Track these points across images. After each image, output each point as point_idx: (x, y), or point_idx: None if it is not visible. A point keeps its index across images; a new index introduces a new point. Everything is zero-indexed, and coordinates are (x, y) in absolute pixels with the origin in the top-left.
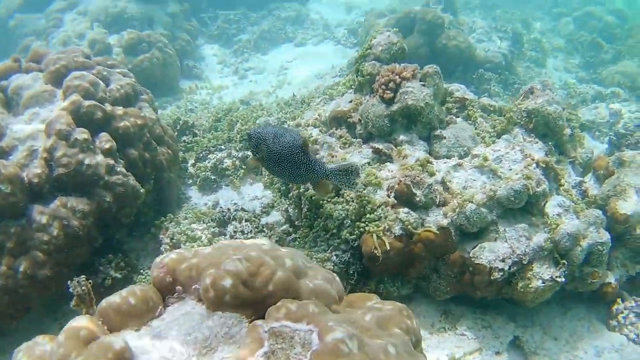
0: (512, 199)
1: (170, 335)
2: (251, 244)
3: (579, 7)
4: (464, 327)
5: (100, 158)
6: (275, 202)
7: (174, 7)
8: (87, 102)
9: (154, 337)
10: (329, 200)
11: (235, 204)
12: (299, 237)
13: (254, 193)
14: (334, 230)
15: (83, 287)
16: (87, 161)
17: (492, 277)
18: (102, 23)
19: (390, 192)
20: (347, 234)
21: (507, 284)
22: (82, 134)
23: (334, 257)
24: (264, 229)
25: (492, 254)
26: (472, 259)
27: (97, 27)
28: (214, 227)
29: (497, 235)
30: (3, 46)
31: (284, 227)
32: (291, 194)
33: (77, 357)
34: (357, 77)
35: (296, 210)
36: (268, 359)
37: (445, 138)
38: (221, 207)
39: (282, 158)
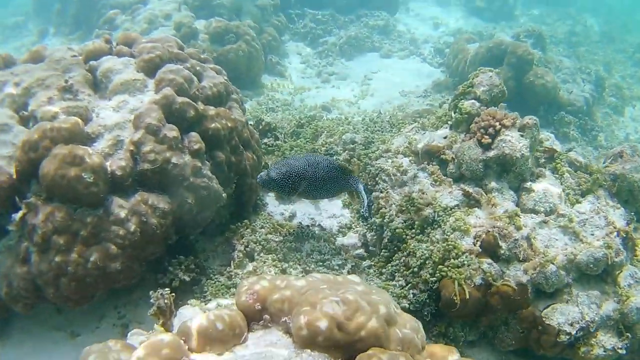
0: (591, 265)
1: None
2: (344, 281)
3: None
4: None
5: (187, 158)
6: (353, 223)
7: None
8: (180, 99)
9: None
10: (413, 236)
11: (312, 219)
12: (374, 265)
13: (332, 210)
14: (415, 269)
15: (166, 300)
16: (174, 160)
17: (558, 339)
18: (189, 6)
19: (477, 241)
20: (428, 275)
21: (569, 346)
22: (172, 131)
23: (411, 295)
24: (341, 251)
25: (562, 316)
26: (543, 319)
27: (184, 9)
28: (290, 242)
29: (569, 298)
30: (86, 14)
31: (359, 251)
32: (372, 220)
33: None
34: (454, 113)
35: (374, 237)
36: None
37: (534, 192)
38: (300, 223)
39: (326, 181)
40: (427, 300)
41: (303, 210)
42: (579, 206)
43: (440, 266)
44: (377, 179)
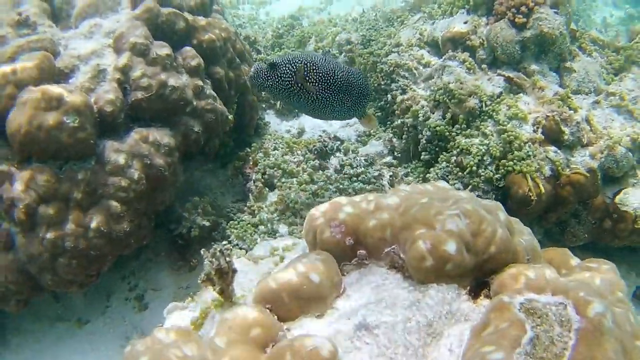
0: None
1: (379, 321)
2: (437, 189)
3: None
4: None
5: (186, 78)
6: (372, 130)
7: None
8: (166, 10)
9: (357, 327)
10: (458, 132)
11: (324, 131)
12: (412, 171)
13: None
14: (474, 168)
15: (227, 258)
16: (171, 82)
17: (636, 226)
18: None
19: (537, 128)
20: (491, 173)
21: None
22: (163, 48)
23: None
24: (374, 161)
25: (636, 201)
26: (618, 205)
27: None
28: (312, 160)
29: (635, 181)
30: None
31: (388, 159)
32: (395, 122)
33: None
34: None
35: (405, 141)
36: (534, 347)
37: (575, 71)
38: (321, 136)
39: (348, 88)
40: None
41: (310, 124)
42: (622, 83)
43: (502, 161)
44: (392, 76)
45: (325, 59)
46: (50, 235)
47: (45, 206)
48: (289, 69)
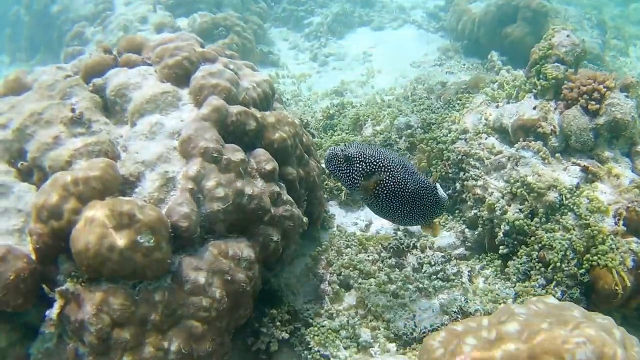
0: None
1: None
2: (552, 308)
3: None
4: None
5: (261, 184)
6: (441, 220)
7: None
8: (235, 109)
9: None
10: (538, 227)
11: (393, 223)
12: (488, 265)
13: None
14: (558, 264)
15: None
16: (248, 190)
17: None
18: (164, 5)
19: (619, 219)
20: (575, 268)
21: None
22: (236, 152)
23: (559, 294)
24: (453, 257)
25: None
26: None
27: (160, 9)
28: (388, 258)
29: None
30: (43, 33)
31: (459, 250)
32: (469, 214)
33: None
34: (538, 80)
35: (479, 233)
36: None
37: None
38: (396, 233)
39: (414, 196)
40: (579, 296)
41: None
42: None
43: (587, 255)
44: (462, 165)
45: (400, 164)
46: (127, 359)
47: (120, 330)
48: (361, 165)
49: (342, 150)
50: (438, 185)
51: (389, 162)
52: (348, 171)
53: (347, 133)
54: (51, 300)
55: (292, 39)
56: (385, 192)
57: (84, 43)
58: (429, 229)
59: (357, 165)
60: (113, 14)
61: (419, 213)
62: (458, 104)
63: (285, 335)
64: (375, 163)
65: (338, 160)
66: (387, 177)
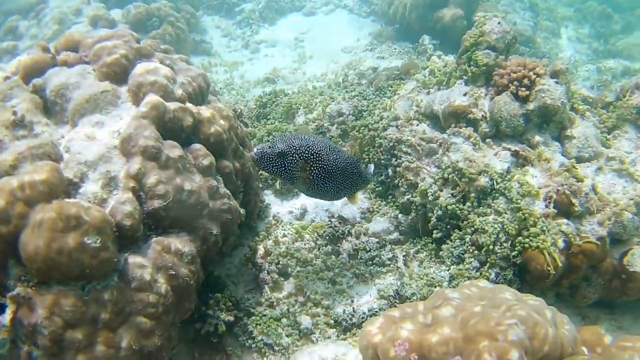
0: None
1: None
2: (486, 292)
3: None
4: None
5: (199, 179)
6: (375, 206)
7: None
8: (172, 105)
9: None
10: (470, 211)
11: (327, 210)
12: (423, 249)
13: None
14: (490, 246)
15: None
16: (187, 186)
17: None
18: None
19: (549, 202)
20: (508, 250)
21: None
22: (174, 149)
23: (493, 276)
24: (388, 243)
25: None
26: (627, 267)
27: (93, 1)
28: (325, 246)
29: (639, 240)
30: None
31: (394, 235)
32: (402, 200)
33: None
34: (469, 67)
35: (412, 218)
36: None
37: (575, 138)
38: (331, 222)
39: (343, 173)
40: (512, 277)
41: (311, 203)
42: (618, 145)
43: (519, 238)
44: (394, 151)
45: (327, 147)
46: (80, 358)
47: (73, 330)
48: (295, 158)
49: (270, 148)
50: (370, 166)
51: (318, 147)
52: (284, 166)
53: (280, 122)
54: (2, 306)
55: (225, 26)
56: (321, 175)
57: (18, 37)
58: (352, 199)
59: (291, 157)
60: (47, 7)
61: (349, 186)
62: (390, 90)
63: (231, 318)
64: (306, 151)
65: (270, 158)
66: (320, 161)
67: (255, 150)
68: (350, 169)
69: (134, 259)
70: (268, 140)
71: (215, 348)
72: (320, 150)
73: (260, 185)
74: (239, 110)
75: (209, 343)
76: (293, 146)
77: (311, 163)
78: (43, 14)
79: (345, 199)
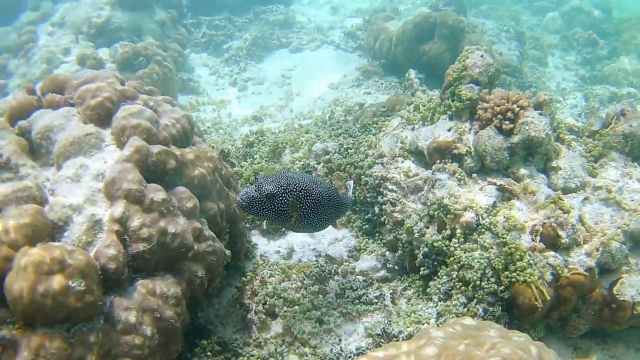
0: None
1: None
2: (471, 330)
3: (563, 1)
4: None
5: (183, 222)
6: (362, 243)
7: (162, 14)
8: (155, 148)
9: None
10: (456, 247)
11: (314, 249)
12: (410, 286)
13: (330, 234)
14: (477, 282)
15: None
16: (171, 229)
17: (635, 312)
18: (86, 35)
19: (536, 236)
20: (495, 285)
21: None
22: (158, 192)
23: (481, 311)
24: (373, 280)
25: (632, 289)
26: (616, 296)
27: (82, 40)
28: (311, 285)
29: (629, 269)
30: None
31: (381, 273)
32: (389, 237)
33: None
34: (453, 101)
35: (400, 255)
36: None
37: (561, 169)
38: (317, 261)
39: (329, 204)
40: (501, 312)
41: (298, 242)
42: (605, 174)
43: (506, 272)
44: (379, 189)
45: (311, 181)
46: None
47: None
48: (285, 197)
49: (257, 191)
50: (350, 184)
51: (305, 183)
52: (274, 207)
53: (266, 161)
54: None
55: (212, 64)
56: (311, 210)
57: (7, 76)
58: (336, 225)
59: (281, 198)
60: (36, 46)
61: (334, 214)
62: (375, 127)
63: None
64: (296, 189)
65: (259, 202)
66: (310, 196)
67: (240, 195)
68: (334, 197)
69: (119, 302)
70: (251, 184)
71: None
72: (308, 186)
73: (247, 226)
74: (226, 150)
75: None
76: (281, 186)
77: (302, 200)
78: (32, 53)
79: (330, 227)
